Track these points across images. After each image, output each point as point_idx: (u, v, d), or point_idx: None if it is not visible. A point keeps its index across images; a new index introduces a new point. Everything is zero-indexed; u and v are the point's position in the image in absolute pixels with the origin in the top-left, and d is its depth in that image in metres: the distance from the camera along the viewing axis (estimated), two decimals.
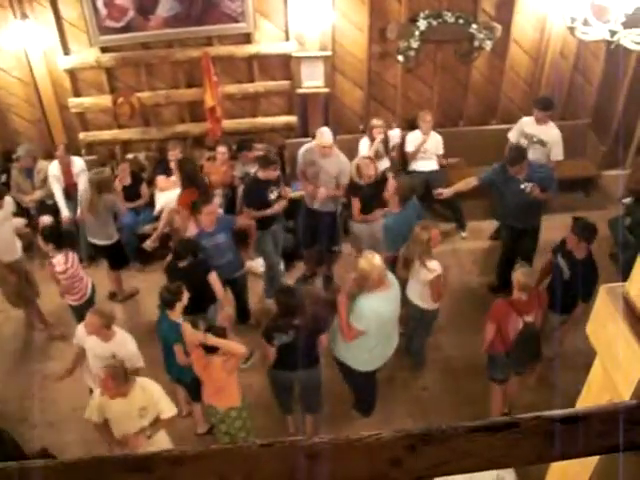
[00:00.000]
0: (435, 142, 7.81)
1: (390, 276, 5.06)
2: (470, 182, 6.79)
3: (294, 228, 7.67)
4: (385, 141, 7.60)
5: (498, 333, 5.09)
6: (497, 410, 5.61)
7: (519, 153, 6.51)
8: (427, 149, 7.78)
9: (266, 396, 5.80)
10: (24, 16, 7.43)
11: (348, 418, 5.88)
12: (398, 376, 6.24)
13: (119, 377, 4.60)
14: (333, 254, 7.39)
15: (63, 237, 6.25)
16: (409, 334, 6.18)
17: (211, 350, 4.97)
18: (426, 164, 7.86)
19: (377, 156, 7.58)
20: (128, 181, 7.69)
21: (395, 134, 7.83)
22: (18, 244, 6.77)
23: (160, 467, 1.34)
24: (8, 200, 6.65)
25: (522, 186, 6.23)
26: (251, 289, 7.10)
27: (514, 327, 5.01)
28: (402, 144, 7.91)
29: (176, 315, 5.31)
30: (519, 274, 5.00)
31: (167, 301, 5.30)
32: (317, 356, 5.29)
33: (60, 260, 6.00)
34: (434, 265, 5.49)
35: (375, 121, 7.55)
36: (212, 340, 4.94)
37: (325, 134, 6.82)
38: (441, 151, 7.88)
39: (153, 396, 4.77)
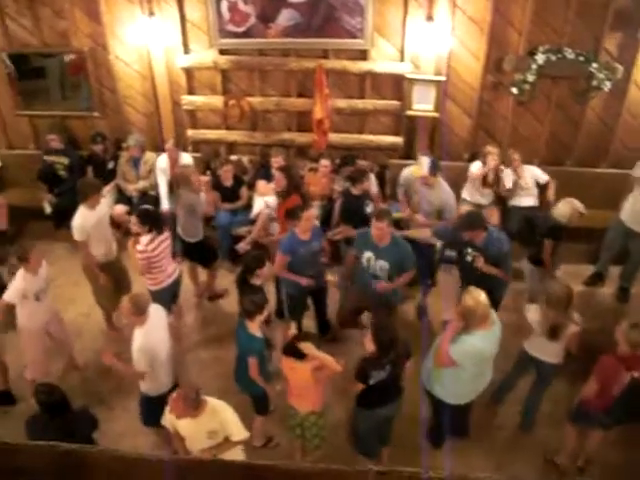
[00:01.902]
0: (531, 175, 7.65)
1: (493, 314, 4.95)
2: (424, 232, 6.73)
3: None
4: (496, 171, 7.54)
5: (600, 390, 4.89)
6: (568, 452, 5.43)
7: (476, 219, 5.99)
8: (527, 183, 7.62)
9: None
10: (151, 13, 7.74)
11: (417, 449, 5.76)
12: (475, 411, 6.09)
13: (190, 401, 4.53)
14: (428, 286, 7.25)
15: (155, 221, 6.29)
16: (508, 385, 5.99)
17: (301, 356, 4.93)
18: (525, 200, 7.71)
19: (486, 184, 7.53)
20: (230, 182, 7.83)
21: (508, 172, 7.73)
22: (114, 245, 6.86)
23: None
24: (104, 201, 6.75)
25: (469, 254, 5.94)
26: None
27: (620, 384, 4.81)
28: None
29: (254, 327, 5.22)
30: (634, 333, 4.76)
31: (248, 312, 5.20)
32: (402, 385, 5.15)
33: (144, 240, 6.07)
34: (577, 318, 5.28)
35: (491, 148, 7.51)
36: (313, 352, 4.92)
37: (423, 165, 6.78)
38: (545, 177, 7.67)
39: (223, 421, 4.65)
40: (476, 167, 7.66)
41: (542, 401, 5.82)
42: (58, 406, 4.74)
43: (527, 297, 6.73)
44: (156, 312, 5.26)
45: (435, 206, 6.76)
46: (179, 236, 7.04)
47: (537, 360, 5.47)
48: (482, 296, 4.75)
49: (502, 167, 7.63)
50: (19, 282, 5.67)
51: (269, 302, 5.48)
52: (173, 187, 7.76)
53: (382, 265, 5.97)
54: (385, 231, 5.83)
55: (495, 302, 5.78)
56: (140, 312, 5.01)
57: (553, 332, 5.16)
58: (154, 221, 6.23)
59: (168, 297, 6.49)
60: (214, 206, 7.55)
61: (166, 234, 6.32)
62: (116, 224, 7.03)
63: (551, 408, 5.95)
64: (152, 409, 5.21)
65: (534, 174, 7.68)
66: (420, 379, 5.31)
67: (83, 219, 6.36)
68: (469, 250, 5.90)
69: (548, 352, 5.36)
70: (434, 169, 6.74)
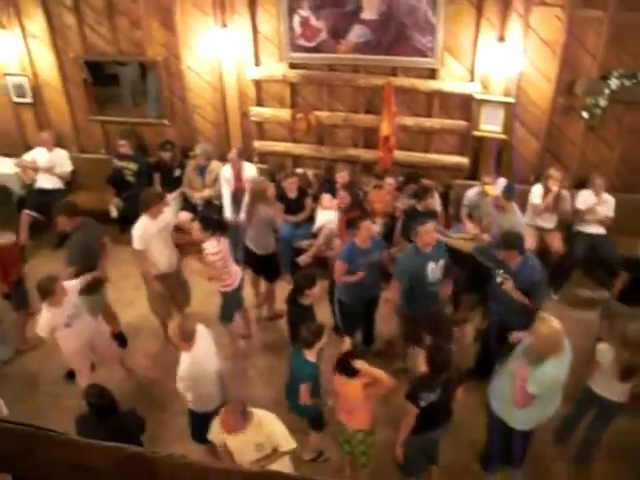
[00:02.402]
0: (607, 205, 7.53)
1: (565, 340, 4.86)
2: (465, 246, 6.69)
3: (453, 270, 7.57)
4: (557, 196, 7.46)
5: None
6: None
7: (514, 240, 5.78)
8: (598, 211, 7.51)
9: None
10: (224, 25, 7.88)
11: (467, 471, 5.70)
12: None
13: (239, 415, 4.56)
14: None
15: (219, 225, 6.42)
16: (572, 424, 5.82)
17: (353, 374, 4.93)
18: (593, 227, 7.59)
19: (547, 208, 7.45)
20: (294, 194, 7.91)
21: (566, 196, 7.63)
22: (175, 255, 6.90)
23: None
24: (167, 210, 6.80)
25: (498, 276, 5.78)
26: None
27: None
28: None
29: (311, 355, 5.17)
30: None
31: (306, 340, 5.15)
32: (452, 410, 5.07)
33: (213, 243, 6.16)
34: None
35: (554, 171, 7.42)
36: (367, 368, 4.92)
37: (499, 186, 6.78)
38: (611, 214, 7.56)
39: (271, 432, 4.65)
40: (537, 190, 7.59)
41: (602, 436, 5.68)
42: (107, 408, 4.85)
43: (598, 332, 6.58)
44: (204, 335, 5.26)
45: (504, 230, 6.67)
46: (247, 247, 7.11)
47: (602, 398, 5.33)
48: (555, 322, 4.67)
49: (565, 191, 7.55)
50: (45, 317, 5.69)
51: (325, 329, 5.39)
52: (236, 197, 7.91)
53: (440, 265, 6.02)
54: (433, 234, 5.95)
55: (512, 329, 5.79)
56: (187, 338, 5.01)
57: (627, 374, 5.03)
58: (216, 225, 6.34)
59: (239, 299, 6.68)
60: (280, 217, 7.60)
61: (226, 239, 6.42)
62: (181, 230, 7.16)
63: (610, 440, 5.76)
64: (199, 425, 5.26)
65: (610, 203, 7.53)
66: (487, 401, 5.25)
67: (144, 228, 6.43)
68: (500, 271, 5.78)
69: (615, 391, 5.23)
70: (509, 193, 6.68)
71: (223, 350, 6.85)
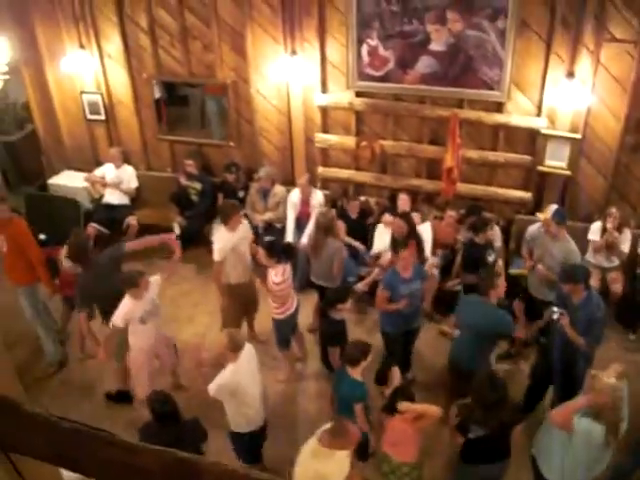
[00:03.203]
0: None
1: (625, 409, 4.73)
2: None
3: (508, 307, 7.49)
4: (613, 235, 7.34)
5: None
6: None
7: (581, 273, 5.64)
8: None
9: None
10: (293, 52, 8.02)
11: None
12: None
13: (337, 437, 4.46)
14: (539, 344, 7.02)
15: (284, 251, 6.52)
16: (624, 472, 5.52)
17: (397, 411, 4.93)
18: None
19: (608, 246, 7.33)
20: (355, 215, 8.03)
21: (627, 235, 7.48)
22: (249, 268, 7.00)
23: None
24: (245, 222, 6.98)
25: (554, 312, 5.59)
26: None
27: None
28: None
29: (357, 373, 5.20)
30: None
31: (352, 358, 5.19)
32: (509, 447, 4.98)
33: (278, 271, 6.27)
34: None
35: (614, 210, 7.32)
36: (412, 408, 4.92)
37: (549, 210, 6.72)
38: None
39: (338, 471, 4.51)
40: (595, 227, 7.49)
41: None
42: (170, 415, 4.94)
43: None
44: (249, 354, 5.33)
45: (558, 260, 6.54)
46: (308, 276, 7.21)
47: None
48: (611, 380, 4.56)
49: (628, 230, 7.44)
50: (124, 307, 5.86)
51: (371, 347, 5.42)
52: (300, 222, 8.01)
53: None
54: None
55: (574, 379, 5.62)
56: (235, 349, 5.12)
57: None
58: (281, 252, 6.44)
59: (294, 324, 6.73)
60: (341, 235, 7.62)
61: (290, 267, 6.50)
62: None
63: None
64: (241, 445, 5.38)
65: None
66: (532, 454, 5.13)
67: (224, 240, 6.63)
68: (556, 308, 5.64)
69: None
70: (558, 216, 6.61)
71: (276, 372, 6.98)
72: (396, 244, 6.43)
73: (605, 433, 4.50)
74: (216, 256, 6.65)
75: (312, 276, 7.21)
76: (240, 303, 7.00)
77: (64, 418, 1.74)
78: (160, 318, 6.26)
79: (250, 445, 5.49)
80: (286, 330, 6.70)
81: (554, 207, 6.90)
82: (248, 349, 5.32)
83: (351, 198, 8.13)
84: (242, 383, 5.15)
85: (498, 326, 5.71)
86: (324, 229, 6.89)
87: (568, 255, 6.55)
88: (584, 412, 4.54)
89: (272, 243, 6.67)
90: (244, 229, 6.87)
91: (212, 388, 5.15)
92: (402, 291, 6.12)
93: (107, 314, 6.17)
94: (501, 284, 5.64)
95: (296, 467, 4.58)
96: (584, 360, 5.70)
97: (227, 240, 6.63)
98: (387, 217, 7.82)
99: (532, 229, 7.29)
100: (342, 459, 4.45)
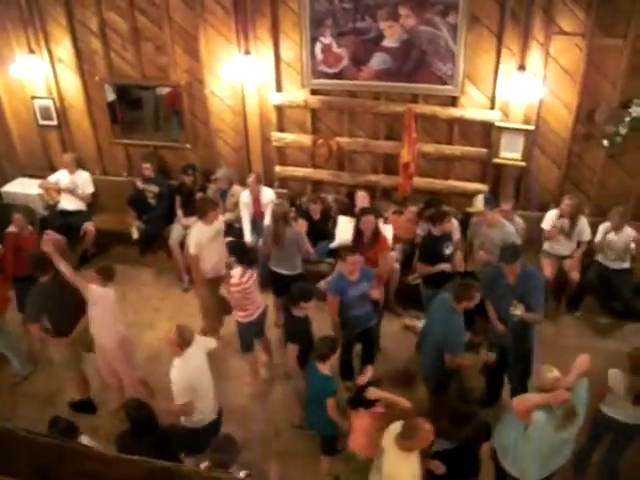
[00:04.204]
0: (625, 238, 7.42)
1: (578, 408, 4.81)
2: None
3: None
4: (572, 222, 7.48)
5: None
6: None
7: (513, 251, 5.88)
8: (615, 246, 7.44)
9: None
10: (247, 52, 7.99)
11: None
12: None
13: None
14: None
15: (246, 254, 6.48)
16: (587, 451, 5.68)
17: (369, 405, 4.95)
18: (613, 262, 7.50)
19: (561, 232, 7.46)
20: (318, 216, 8.02)
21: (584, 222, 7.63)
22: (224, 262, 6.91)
23: None
24: (221, 218, 7.13)
25: (513, 311, 5.73)
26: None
27: None
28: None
29: (326, 368, 5.24)
30: None
31: (321, 354, 5.22)
32: (478, 465, 5.01)
33: (236, 273, 6.24)
34: None
35: (568, 200, 7.44)
36: (382, 396, 4.94)
37: (478, 202, 7.02)
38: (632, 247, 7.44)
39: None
40: (549, 216, 7.64)
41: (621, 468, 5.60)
42: (146, 422, 4.87)
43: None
44: (199, 346, 5.35)
45: (498, 244, 6.61)
46: (271, 270, 7.13)
47: (616, 421, 5.24)
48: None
49: (583, 217, 7.60)
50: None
51: (339, 342, 5.48)
52: (255, 221, 7.99)
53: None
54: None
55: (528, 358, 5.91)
56: (184, 344, 5.14)
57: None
58: (243, 253, 6.41)
59: (257, 330, 6.67)
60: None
61: (254, 267, 6.47)
62: None
63: (633, 475, 5.70)
64: (185, 439, 5.35)
65: (629, 236, 7.43)
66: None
67: (200, 234, 6.72)
68: (512, 307, 5.76)
69: (629, 413, 5.17)
70: (490, 202, 6.86)
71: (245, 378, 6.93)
72: (343, 248, 6.45)
73: (559, 426, 4.56)
74: (191, 249, 6.76)
75: (272, 265, 7.13)
76: (219, 298, 7.02)
77: (40, 433, 1.69)
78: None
79: (199, 438, 5.40)
80: (248, 334, 6.62)
81: (481, 197, 7.23)
82: (198, 340, 5.34)
83: (311, 200, 8.12)
84: (192, 376, 5.16)
85: (451, 336, 5.71)
86: (281, 218, 6.90)
87: (506, 237, 6.71)
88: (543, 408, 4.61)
89: (234, 243, 6.79)
90: (220, 224, 7.01)
91: (175, 393, 5.13)
92: (351, 294, 6.12)
93: (57, 329, 6.16)
94: (475, 296, 5.64)
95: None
96: (532, 335, 6.02)
97: (202, 233, 6.72)
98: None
99: (472, 225, 7.44)
100: (414, 460, 4.50)
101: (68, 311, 6.14)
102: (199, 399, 5.23)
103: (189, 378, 5.12)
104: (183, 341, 5.14)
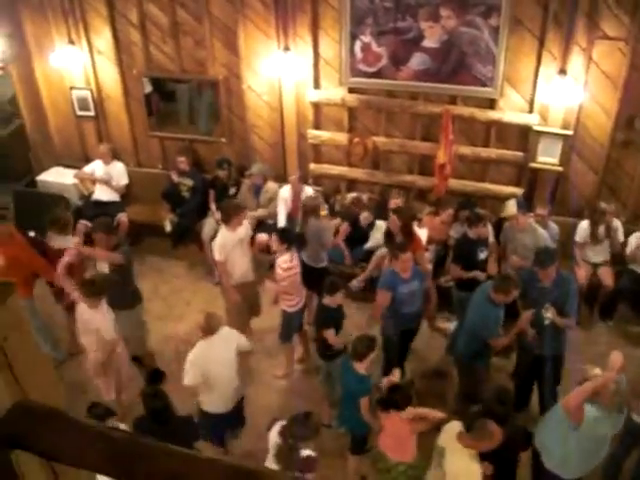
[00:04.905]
0: None
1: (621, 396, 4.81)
2: None
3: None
4: (608, 228, 7.42)
5: None
6: None
7: (548, 255, 5.91)
8: None
9: None
10: (286, 49, 7.98)
11: None
12: None
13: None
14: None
15: (294, 239, 6.57)
16: (617, 460, 5.65)
17: (399, 407, 4.92)
18: None
19: (595, 240, 7.41)
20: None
21: (619, 226, 7.58)
22: (252, 268, 7.01)
23: None
24: (246, 223, 6.98)
25: (545, 314, 5.70)
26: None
27: None
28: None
29: (363, 368, 5.23)
30: None
31: (358, 353, 5.22)
32: (515, 469, 5.03)
33: (286, 258, 6.30)
34: None
35: (604, 205, 7.39)
36: (416, 413, 4.93)
37: (511, 206, 7.05)
38: None
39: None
40: (582, 227, 7.58)
41: None
42: (160, 411, 4.90)
43: None
44: (226, 337, 5.45)
45: (530, 248, 6.63)
46: (303, 262, 7.10)
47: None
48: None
49: (617, 221, 7.55)
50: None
51: (377, 341, 5.50)
52: (292, 218, 8.01)
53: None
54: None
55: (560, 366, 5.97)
56: (208, 332, 5.29)
57: None
58: (293, 239, 6.49)
59: (298, 321, 6.75)
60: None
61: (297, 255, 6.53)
62: (259, 250, 7.48)
63: None
64: (206, 424, 5.49)
65: None
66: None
67: (224, 239, 6.65)
68: (544, 310, 5.76)
69: None
70: (523, 206, 6.86)
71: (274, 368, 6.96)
72: (396, 246, 6.41)
73: (610, 422, 4.62)
74: (217, 255, 6.69)
75: (303, 255, 7.12)
76: (248, 303, 7.02)
77: (114, 428, 1.71)
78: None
79: (213, 426, 5.59)
80: (292, 324, 6.70)
81: (513, 201, 7.22)
82: (225, 336, 5.42)
83: (343, 196, 8.15)
84: (210, 364, 5.27)
85: (481, 325, 5.79)
86: (309, 210, 6.99)
87: (538, 241, 6.73)
88: (591, 402, 4.62)
89: (284, 229, 6.84)
90: (245, 230, 6.89)
91: (185, 372, 5.29)
92: (402, 291, 6.12)
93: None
94: (512, 291, 5.66)
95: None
96: (564, 341, 6.02)
97: (227, 239, 6.64)
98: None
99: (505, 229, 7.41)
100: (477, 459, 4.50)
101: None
102: (209, 389, 5.37)
103: (202, 364, 5.25)
104: (208, 327, 5.28)
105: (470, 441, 4.44)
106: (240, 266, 6.78)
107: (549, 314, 5.71)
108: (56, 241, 6.81)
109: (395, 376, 5.39)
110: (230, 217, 6.61)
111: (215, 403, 5.50)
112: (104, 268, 6.39)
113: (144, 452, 1.63)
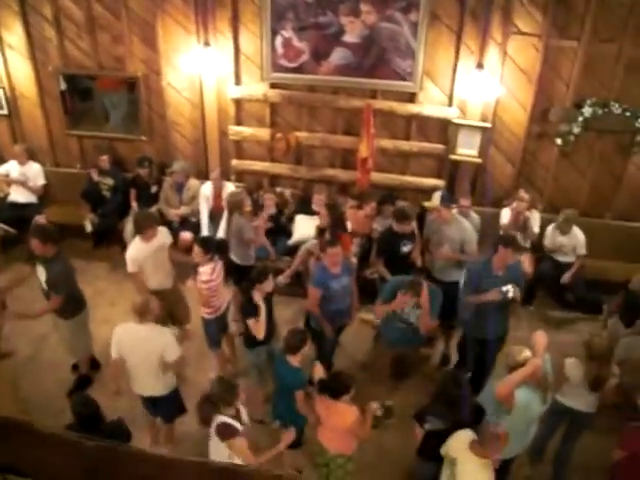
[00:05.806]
0: (573, 239, 7.67)
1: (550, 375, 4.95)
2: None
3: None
4: (524, 218, 7.69)
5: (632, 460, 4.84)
6: None
7: (512, 236, 6.23)
8: (565, 248, 7.71)
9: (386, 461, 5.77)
10: (206, 44, 7.89)
11: None
12: None
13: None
14: (450, 329, 7.17)
15: (217, 249, 6.34)
16: (543, 438, 5.82)
17: (336, 395, 4.88)
18: (562, 257, 7.78)
19: (513, 227, 7.63)
20: (273, 210, 7.98)
21: (536, 217, 7.83)
22: (171, 275, 6.78)
23: None
24: (162, 229, 6.69)
25: (503, 288, 5.81)
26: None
27: None
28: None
29: (297, 361, 5.20)
30: None
31: (292, 346, 5.18)
32: None
33: (207, 270, 6.11)
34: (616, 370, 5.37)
35: (522, 194, 7.63)
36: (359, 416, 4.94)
37: (435, 198, 7.14)
38: (582, 251, 7.65)
39: None
40: (506, 213, 7.83)
41: (574, 454, 5.76)
42: (89, 417, 4.77)
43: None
44: (154, 334, 5.35)
45: (456, 240, 6.73)
46: (231, 260, 7.02)
47: (571, 410, 5.41)
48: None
49: (535, 212, 7.85)
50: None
51: (309, 334, 5.44)
52: (214, 215, 7.91)
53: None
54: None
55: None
56: (139, 315, 5.27)
57: (596, 384, 5.14)
58: (215, 249, 6.28)
59: (222, 324, 6.60)
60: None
61: (221, 262, 6.37)
62: (183, 248, 7.18)
63: (585, 460, 5.84)
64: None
65: (579, 239, 7.67)
66: None
67: (137, 251, 6.34)
68: (505, 287, 5.84)
69: (583, 401, 5.33)
70: (446, 200, 6.86)
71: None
72: (326, 241, 6.39)
73: (539, 401, 4.76)
74: (129, 267, 6.37)
75: (230, 253, 7.04)
76: (167, 311, 6.71)
77: (85, 436, 1.64)
78: None
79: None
80: (214, 330, 6.51)
81: (438, 194, 7.33)
82: (152, 335, 5.30)
83: (265, 191, 8.10)
84: (126, 350, 5.30)
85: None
86: (232, 206, 6.90)
87: (463, 233, 6.79)
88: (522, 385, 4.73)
89: (207, 239, 6.61)
90: (160, 239, 6.52)
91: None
92: (334, 287, 6.09)
93: None
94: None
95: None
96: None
97: (140, 250, 6.34)
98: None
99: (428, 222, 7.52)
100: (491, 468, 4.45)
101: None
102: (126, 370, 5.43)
103: (120, 346, 5.31)
104: (139, 311, 5.24)
105: (483, 450, 4.42)
106: (154, 276, 6.50)
107: (512, 293, 5.78)
108: None
109: (319, 372, 5.35)
110: (143, 229, 6.31)
111: (136, 385, 5.57)
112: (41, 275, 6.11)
113: (118, 459, 1.59)
